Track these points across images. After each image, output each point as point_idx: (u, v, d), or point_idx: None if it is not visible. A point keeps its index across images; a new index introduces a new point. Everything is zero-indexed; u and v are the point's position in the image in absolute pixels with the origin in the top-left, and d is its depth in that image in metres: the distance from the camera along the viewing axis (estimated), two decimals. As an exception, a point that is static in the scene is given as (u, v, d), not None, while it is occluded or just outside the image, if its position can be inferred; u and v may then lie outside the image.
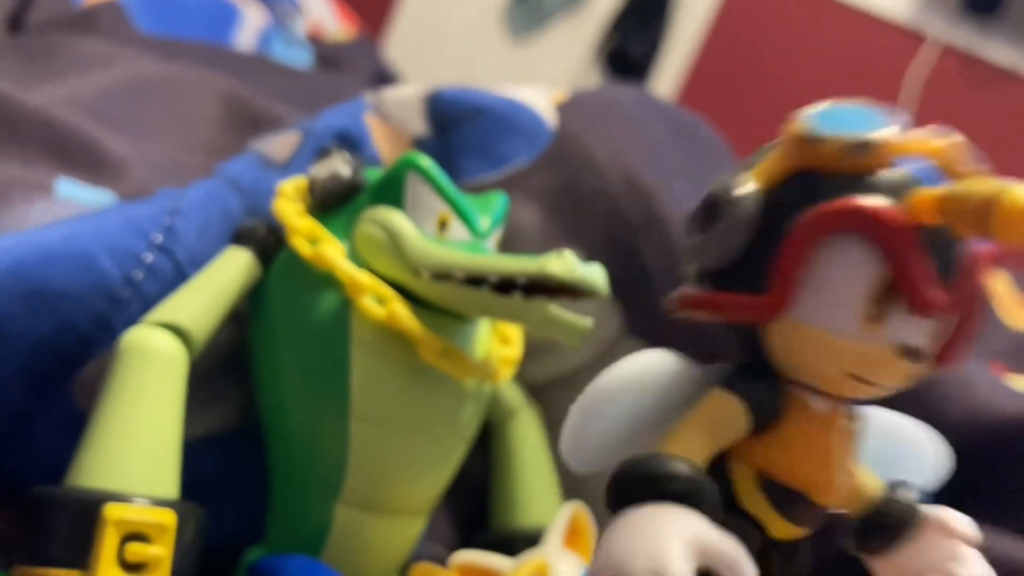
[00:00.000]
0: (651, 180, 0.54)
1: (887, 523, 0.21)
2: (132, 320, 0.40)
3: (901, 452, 0.22)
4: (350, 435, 0.41)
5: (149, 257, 0.41)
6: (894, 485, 0.22)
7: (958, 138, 0.18)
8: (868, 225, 0.17)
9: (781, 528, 0.20)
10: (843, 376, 0.19)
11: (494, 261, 0.38)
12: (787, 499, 0.20)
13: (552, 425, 0.54)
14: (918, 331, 0.18)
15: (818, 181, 0.18)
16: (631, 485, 0.18)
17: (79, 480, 0.37)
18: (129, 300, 0.41)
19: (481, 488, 0.53)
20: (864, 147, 0.17)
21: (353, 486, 0.41)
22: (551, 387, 0.55)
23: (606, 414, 0.20)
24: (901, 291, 0.17)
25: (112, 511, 0.35)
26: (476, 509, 0.52)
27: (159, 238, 0.42)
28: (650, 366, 0.20)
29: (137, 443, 0.37)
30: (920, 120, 0.19)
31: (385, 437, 0.41)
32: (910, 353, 0.18)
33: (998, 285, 0.74)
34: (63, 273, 0.39)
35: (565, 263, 0.35)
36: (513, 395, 0.53)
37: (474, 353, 0.43)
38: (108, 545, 0.35)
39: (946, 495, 0.55)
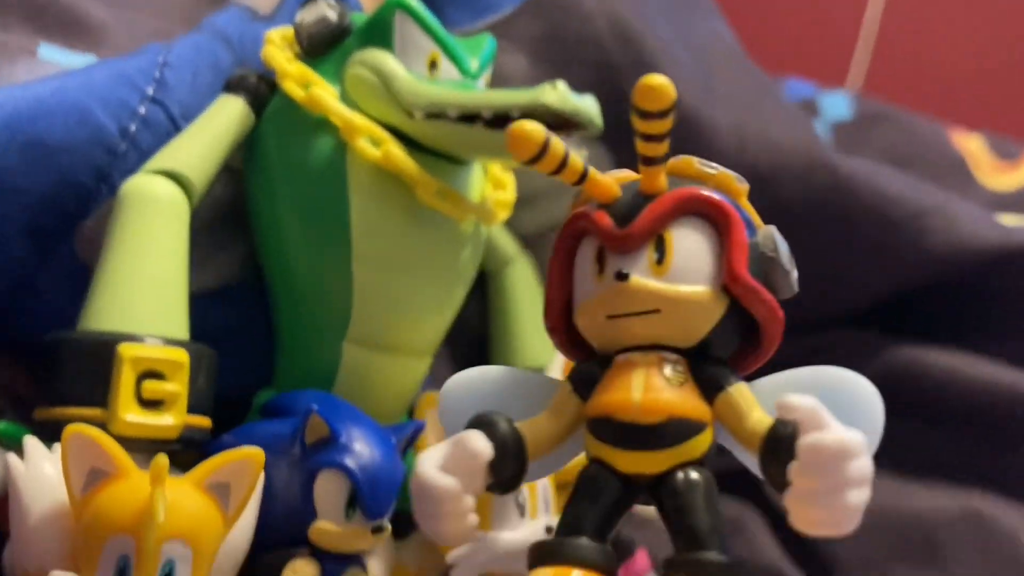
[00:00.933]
0: (638, 25, 0.54)
1: (773, 456, 0.23)
2: (129, 172, 0.40)
3: (836, 400, 0.23)
4: (353, 277, 0.41)
5: (142, 109, 0.41)
6: (776, 419, 0.23)
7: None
8: (575, 221, 0.25)
9: (623, 460, 0.24)
10: (606, 322, 0.24)
11: (487, 96, 0.38)
12: (602, 427, 0.24)
13: (544, 274, 0.55)
14: (628, 262, 0.24)
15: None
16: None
17: (92, 324, 0.37)
18: (126, 152, 0.41)
19: (479, 337, 0.54)
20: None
21: (359, 326, 0.42)
22: (542, 238, 0.56)
23: (473, 403, 0.27)
24: (601, 244, 0.24)
25: (127, 350, 0.36)
26: (475, 356, 0.54)
27: (151, 90, 0.42)
28: (510, 372, 0.29)
29: (146, 287, 0.38)
30: None
31: (387, 278, 0.42)
32: (618, 276, 0.24)
33: (972, 147, 0.74)
34: (59, 126, 0.39)
35: (559, 93, 0.36)
36: (508, 244, 0.54)
37: (470, 195, 0.43)
38: (125, 382, 0.36)
39: (930, 322, 0.57)
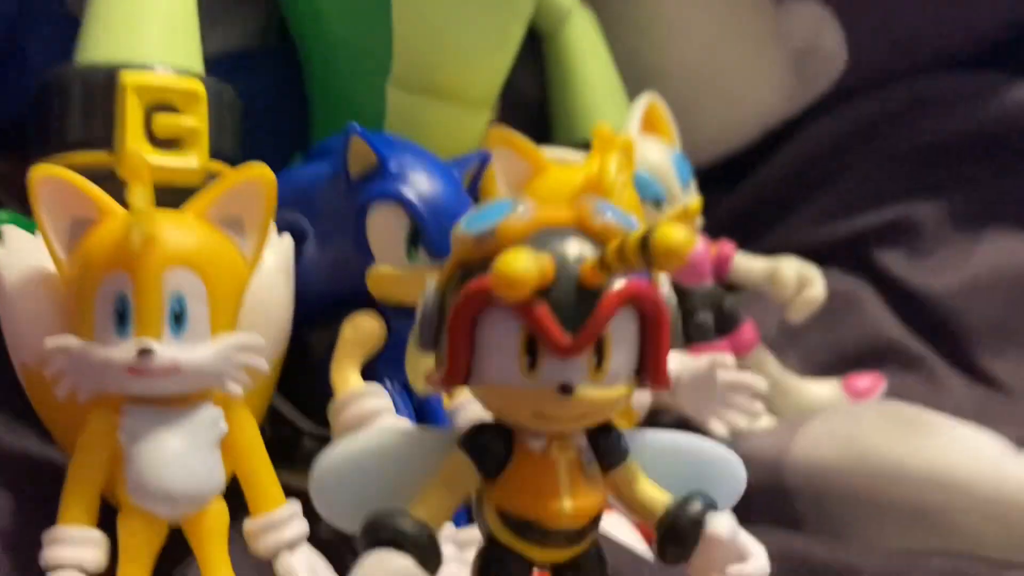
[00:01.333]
0: None
1: (673, 535, 0.23)
2: None
3: (702, 470, 0.25)
4: (392, 7, 0.35)
5: None
6: (682, 498, 0.23)
7: (585, 202, 0.21)
8: (495, 299, 0.20)
9: (540, 553, 0.23)
10: (531, 415, 0.22)
11: None
12: (525, 529, 0.23)
13: (607, 28, 0.49)
14: (569, 369, 0.21)
15: (467, 270, 0.21)
16: (363, 537, 0.21)
17: (90, 55, 0.32)
18: None
19: (538, 104, 0.48)
20: (483, 236, 0.21)
21: (402, 65, 0.37)
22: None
23: (351, 485, 0.23)
24: (539, 341, 0.21)
25: (130, 77, 0.31)
26: (534, 127, 0.47)
27: None
28: (388, 437, 0.23)
29: (151, 13, 0.32)
30: None
31: (429, 7, 0.36)
32: (564, 389, 0.21)
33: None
34: None
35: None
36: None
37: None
38: (132, 115, 0.31)
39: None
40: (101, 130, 0.31)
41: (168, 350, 0.25)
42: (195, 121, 0.31)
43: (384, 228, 0.31)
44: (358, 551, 0.21)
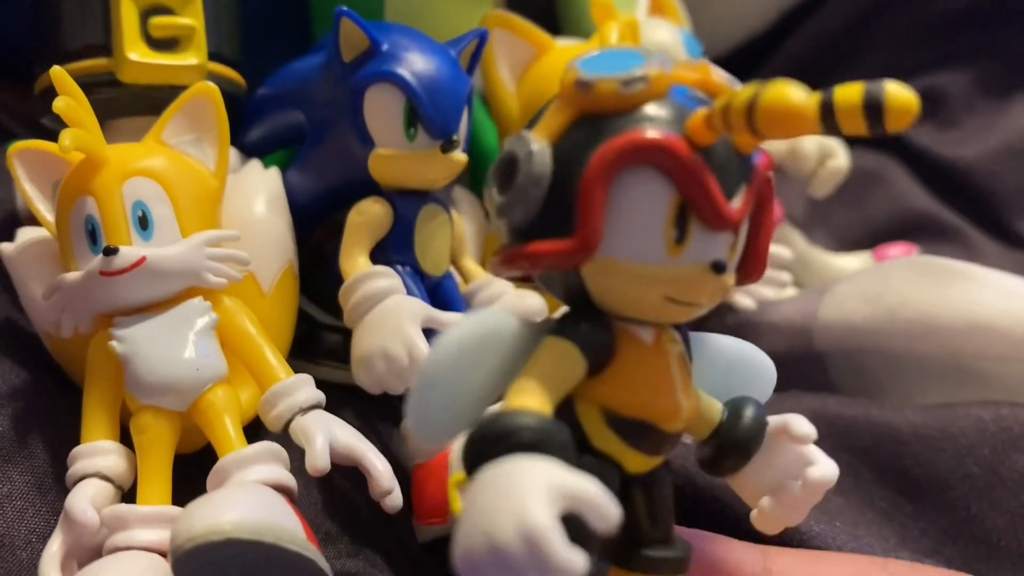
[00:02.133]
0: None
1: (737, 442, 0.21)
2: None
3: (734, 372, 0.23)
4: None
5: None
6: (735, 403, 0.22)
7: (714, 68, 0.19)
8: (654, 154, 0.18)
9: (636, 462, 0.20)
10: (661, 301, 0.19)
11: None
12: (635, 431, 0.20)
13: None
14: (718, 246, 0.19)
15: (598, 123, 0.18)
16: (483, 447, 0.17)
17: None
18: None
19: (543, 6, 0.47)
20: (633, 83, 0.18)
21: (397, -43, 0.36)
22: None
23: (446, 385, 0.19)
24: (695, 211, 0.18)
25: (123, -22, 0.31)
26: (542, 26, 0.46)
27: None
28: (482, 328, 0.19)
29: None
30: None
31: None
32: (716, 267, 0.19)
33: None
34: None
35: None
36: None
37: None
38: (127, 18, 0.31)
39: None
40: (99, 37, 0.31)
41: (135, 249, 0.26)
42: (190, 20, 0.32)
43: (381, 109, 0.31)
44: (476, 462, 0.17)
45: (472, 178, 0.41)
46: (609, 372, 0.19)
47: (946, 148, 0.49)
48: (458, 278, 0.34)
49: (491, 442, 0.17)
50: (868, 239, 0.45)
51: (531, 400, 0.18)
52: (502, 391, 0.19)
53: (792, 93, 0.16)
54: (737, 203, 0.19)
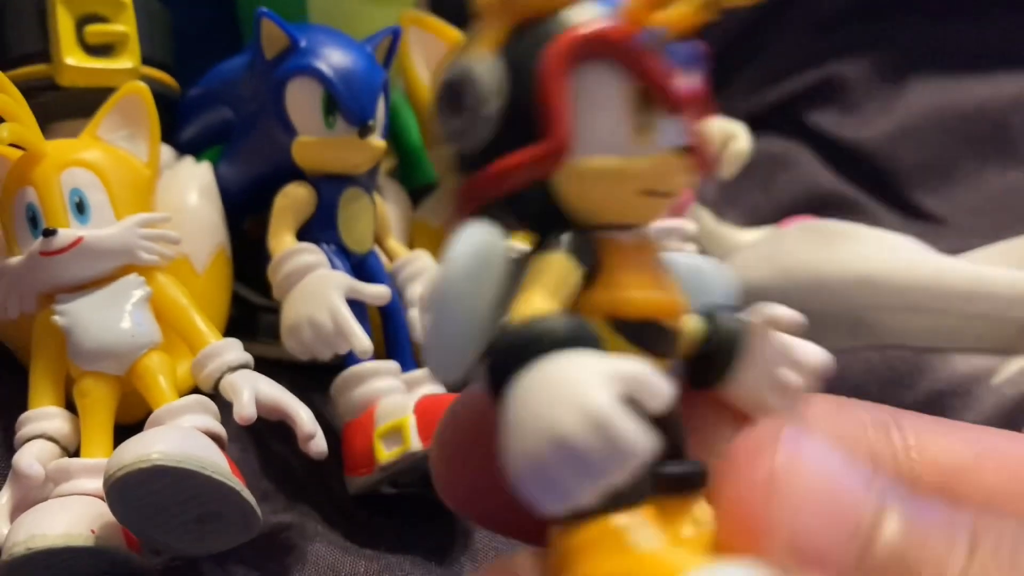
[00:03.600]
0: None
1: (722, 346, 0.19)
2: None
3: (691, 284, 0.20)
4: None
5: None
6: (708, 309, 0.20)
7: None
8: (603, 45, 0.17)
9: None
10: (638, 195, 0.18)
11: None
12: (645, 332, 0.18)
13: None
14: (682, 129, 0.18)
15: (536, 28, 0.18)
16: (512, 357, 0.16)
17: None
18: None
19: (464, 9, 0.50)
20: None
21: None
22: None
23: (460, 304, 0.18)
24: (656, 95, 0.17)
25: (57, -8, 0.33)
26: (464, 24, 0.49)
27: None
28: (483, 242, 0.18)
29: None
30: None
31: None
32: (688, 149, 0.18)
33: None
34: None
35: None
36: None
37: None
38: (64, 26, 0.34)
39: None
40: (38, 45, 0.34)
41: (72, 231, 0.29)
42: (124, 27, 0.34)
43: (301, 101, 0.33)
44: (506, 375, 0.16)
45: (400, 172, 0.44)
46: (602, 280, 0.18)
47: (848, 130, 0.52)
48: (383, 257, 0.37)
49: (521, 349, 0.16)
50: (777, 218, 0.48)
51: (545, 305, 0.17)
52: (501, 315, 0.18)
53: None
54: (691, 84, 0.18)
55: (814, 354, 0.20)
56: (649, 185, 0.18)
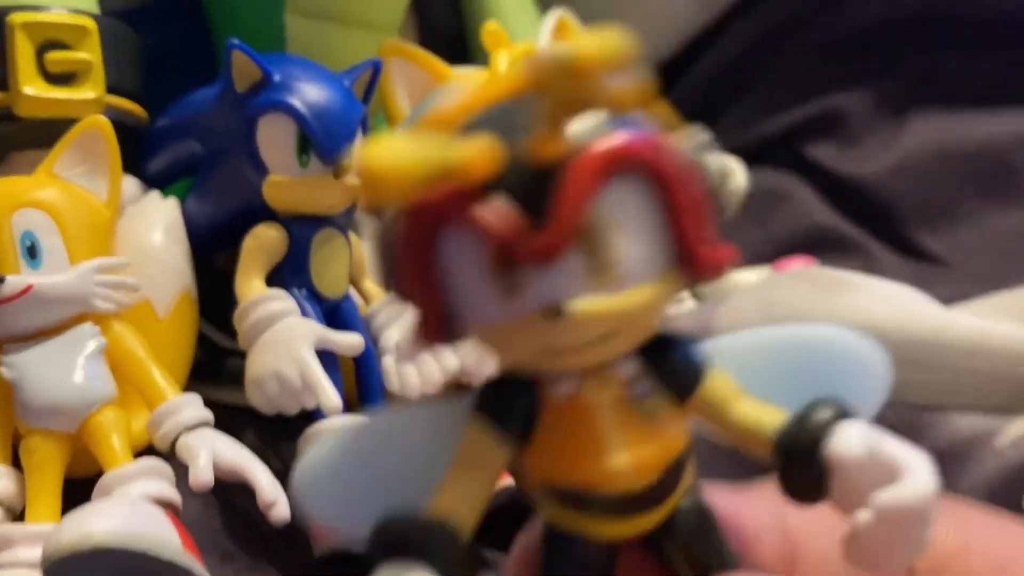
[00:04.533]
0: None
1: (797, 454, 0.16)
2: None
3: (822, 369, 0.18)
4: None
5: None
6: (806, 406, 0.17)
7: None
8: (440, 218, 0.15)
9: (612, 528, 0.17)
10: (540, 355, 0.16)
11: None
12: (578, 499, 0.17)
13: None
14: (556, 280, 0.15)
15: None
16: (376, 544, 0.16)
17: (-20, 4, 0.33)
18: None
19: (456, 36, 0.48)
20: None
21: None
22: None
23: (315, 504, 0.18)
24: (507, 252, 0.15)
25: (17, 18, 0.32)
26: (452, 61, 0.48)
27: None
28: (386, 422, 0.18)
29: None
30: None
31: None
32: (549, 312, 0.15)
33: None
34: None
35: None
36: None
37: None
38: (23, 54, 0.32)
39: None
40: (-3, 74, 0.32)
41: (22, 278, 0.27)
42: (87, 55, 0.33)
43: (273, 138, 0.32)
44: (372, 563, 0.16)
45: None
46: (536, 439, 0.17)
47: (847, 165, 0.50)
48: (359, 300, 0.35)
49: (377, 541, 0.16)
50: (773, 255, 0.46)
51: (456, 496, 0.17)
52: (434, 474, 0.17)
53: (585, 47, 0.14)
54: (548, 233, 0.15)
55: (901, 497, 0.16)
56: (539, 348, 0.16)
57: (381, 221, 0.17)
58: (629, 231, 0.16)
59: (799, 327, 0.19)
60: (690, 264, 0.16)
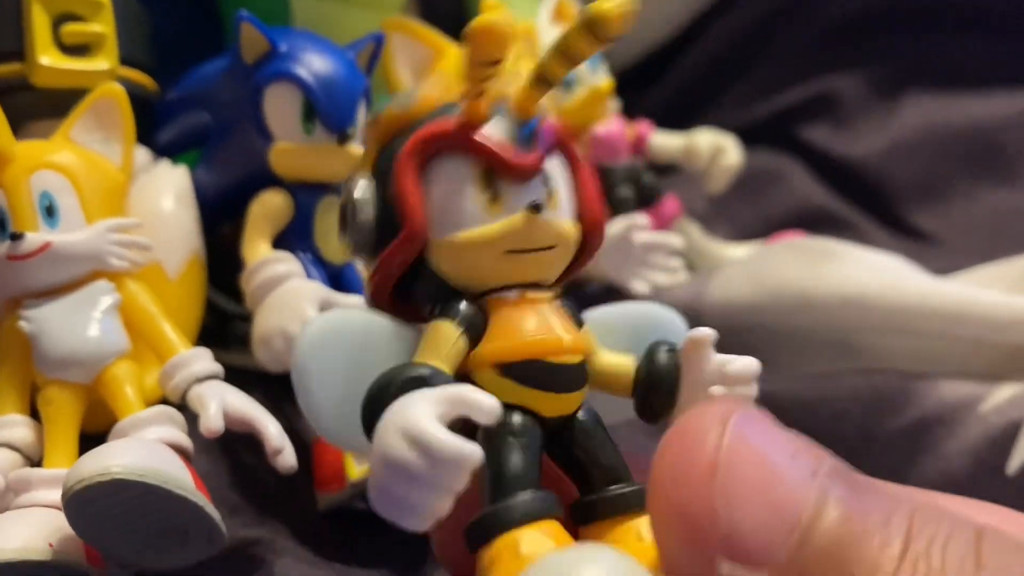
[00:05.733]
0: None
1: (657, 380, 0.22)
2: None
3: (642, 332, 0.24)
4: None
5: None
6: (648, 350, 0.22)
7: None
8: (441, 139, 0.20)
9: (548, 403, 0.21)
10: (503, 256, 0.21)
11: None
12: (528, 371, 0.21)
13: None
14: (531, 191, 0.21)
15: (394, 142, 0.21)
16: (374, 401, 0.19)
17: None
18: None
19: (457, 16, 0.49)
20: (404, 102, 0.21)
21: (303, -31, 0.38)
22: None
23: (309, 386, 0.21)
24: (496, 170, 0.21)
25: (34, -10, 0.33)
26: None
27: None
28: (320, 333, 0.21)
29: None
30: None
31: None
32: (533, 207, 0.21)
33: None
34: None
35: None
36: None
37: None
38: (39, 24, 0.33)
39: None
40: (12, 43, 0.33)
41: (41, 235, 0.28)
42: (101, 27, 0.34)
43: (279, 106, 0.33)
44: (372, 419, 0.18)
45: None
46: (488, 334, 0.21)
47: (841, 146, 0.51)
48: (361, 268, 0.36)
49: (380, 392, 0.19)
50: (766, 233, 0.48)
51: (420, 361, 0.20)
52: None
53: (489, 16, 0.19)
54: (529, 156, 0.21)
55: (744, 366, 0.22)
56: (510, 245, 0.21)
57: (343, 184, 0.22)
58: (560, 183, 0.22)
59: (635, 305, 0.25)
60: (586, 217, 0.22)
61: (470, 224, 0.21)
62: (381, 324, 0.22)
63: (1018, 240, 0.43)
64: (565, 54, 0.19)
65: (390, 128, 0.22)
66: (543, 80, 0.20)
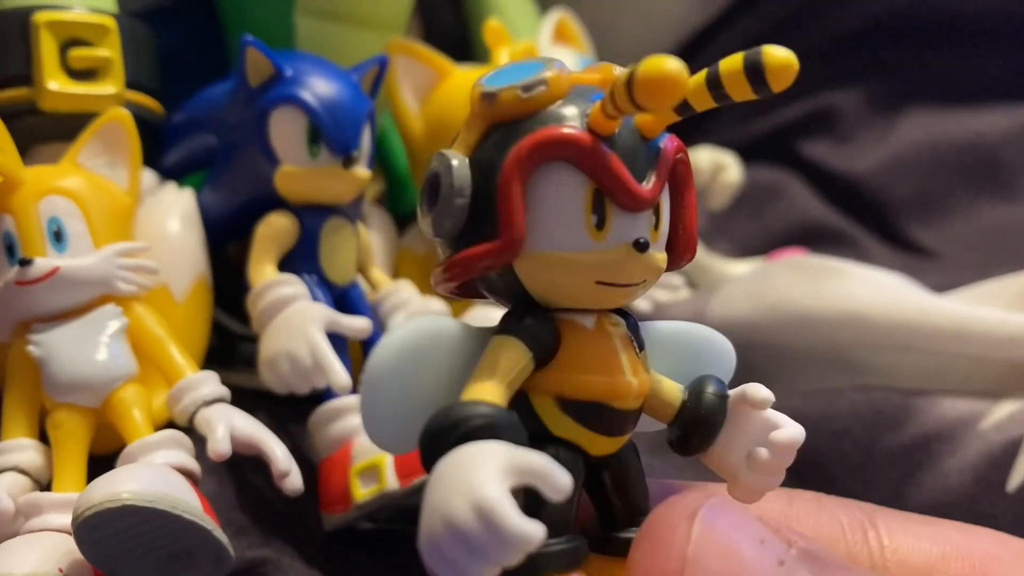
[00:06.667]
0: None
1: (700, 418, 0.22)
2: None
3: (691, 354, 0.23)
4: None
5: None
6: (696, 382, 0.22)
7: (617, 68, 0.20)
8: (560, 148, 0.19)
9: (598, 444, 0.21)
10: (593, 286, 0.20)
11: None
12: (589, 413, 0.20)
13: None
14: (638, 226, 0.20)
15: (508, 129, 0.20)
16: (435, 439, 0.18)
17: (8, 3, 0.34)
18: None
19: (459, 36, 0.50)
20: (533, 87, 0.19)
21: (308, -9, 0.38)
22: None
23: (391, 389, 0.20)
24: (609, 196, 0.19)
25: (42, 16, 0.33)
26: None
27: None
28: (420, 331, 0.20)
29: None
30: None
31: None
32: (638, 245, 0.19)
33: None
34: None
35: None
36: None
37: None
38: (47, 50, 0.33)
39: None
40: (20, 68, 0.34)
41: (49, 260, 0.29)
42: (108, 52, 0.34)
43: (285, 130, 0.33)
44: (432, 454, 0.18)
45: (387, 198, 0.44)
46: (556, 361, 0.20)
47: (840, 161, 0.52)
48: (366, 287, 0.36)
49: (443, 432, 0.18)
50: (767, 248, 0.48)
51: (482, 393, 0.19)
52: (456, 394, 0.19)
53: (665, 61, 0.17)
54: (648, 184, 0.20)
55: (790, 434, 0.21)
56: (604, 277, 0.20)
57: (433, 162, 0.20)
58: (664, 207, 0.20)
59: (686, 324, 0.24)
60: (682, 246, 0.21)
61: (568, 246, 0.19)
62: (444, 328, 0.20)
63: (1017, 256, 0.43)
64: (718, 90, 0.18)
65: (508, 111, 0.20)
66: (686, 107, 0.19)
